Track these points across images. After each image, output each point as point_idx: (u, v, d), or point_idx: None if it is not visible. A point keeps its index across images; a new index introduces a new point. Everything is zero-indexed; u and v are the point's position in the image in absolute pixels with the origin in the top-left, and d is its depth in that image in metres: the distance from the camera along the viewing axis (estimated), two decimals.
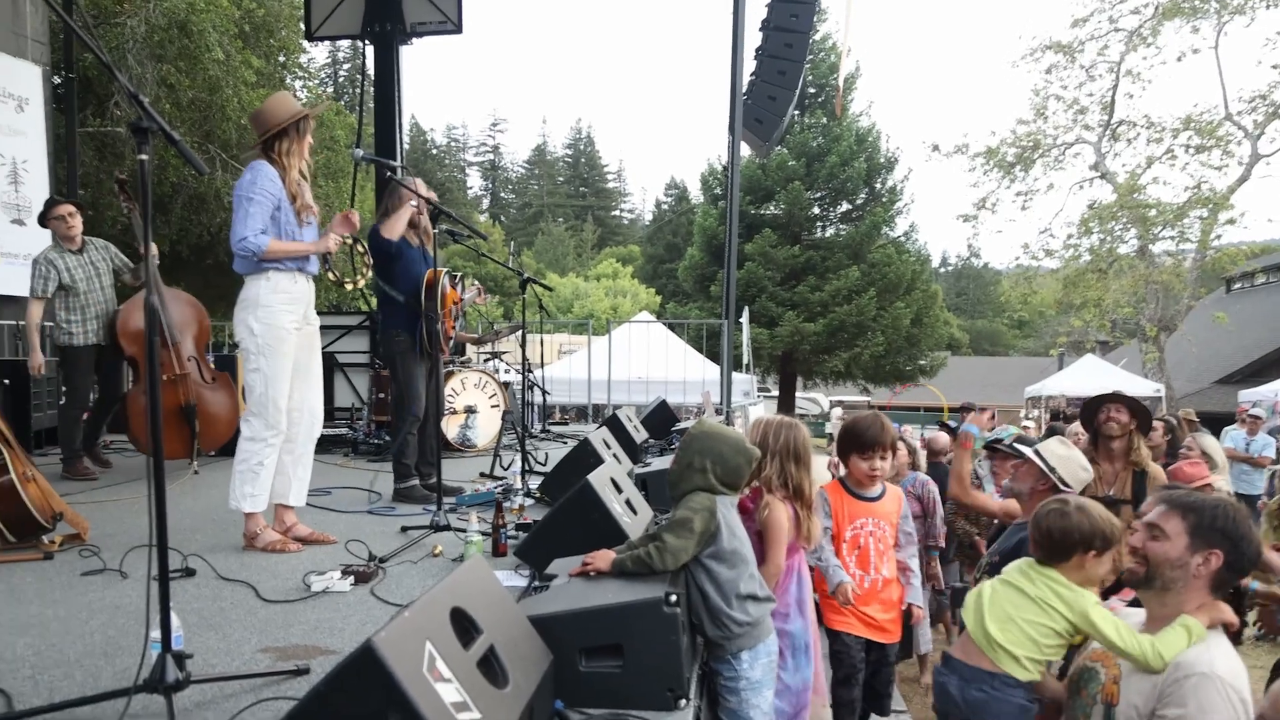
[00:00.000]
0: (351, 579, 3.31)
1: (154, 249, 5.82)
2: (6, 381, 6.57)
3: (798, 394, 32.08)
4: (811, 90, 29.33)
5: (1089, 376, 21.14)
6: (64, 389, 6.38)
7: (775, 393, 30.54)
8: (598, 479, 3.42)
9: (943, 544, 5.93)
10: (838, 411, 29.35)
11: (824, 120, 29.40)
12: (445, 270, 5.08)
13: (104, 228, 12.86)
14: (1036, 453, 3.50)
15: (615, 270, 48.37)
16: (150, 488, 2.06)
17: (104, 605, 3.07)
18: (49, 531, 3.80)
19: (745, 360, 19.95)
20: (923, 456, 6.75)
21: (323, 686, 1.65)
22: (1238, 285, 32.27)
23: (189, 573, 3.42)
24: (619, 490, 3.61)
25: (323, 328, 9.45)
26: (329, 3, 10.15)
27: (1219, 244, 22.31)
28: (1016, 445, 3.70)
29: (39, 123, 9.17)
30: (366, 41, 10.21)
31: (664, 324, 17.58)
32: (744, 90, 8.91)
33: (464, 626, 1.93)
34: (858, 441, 3.66)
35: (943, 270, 69.73)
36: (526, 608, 2.42)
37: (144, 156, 2.10)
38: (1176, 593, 2.27)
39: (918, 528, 5.87)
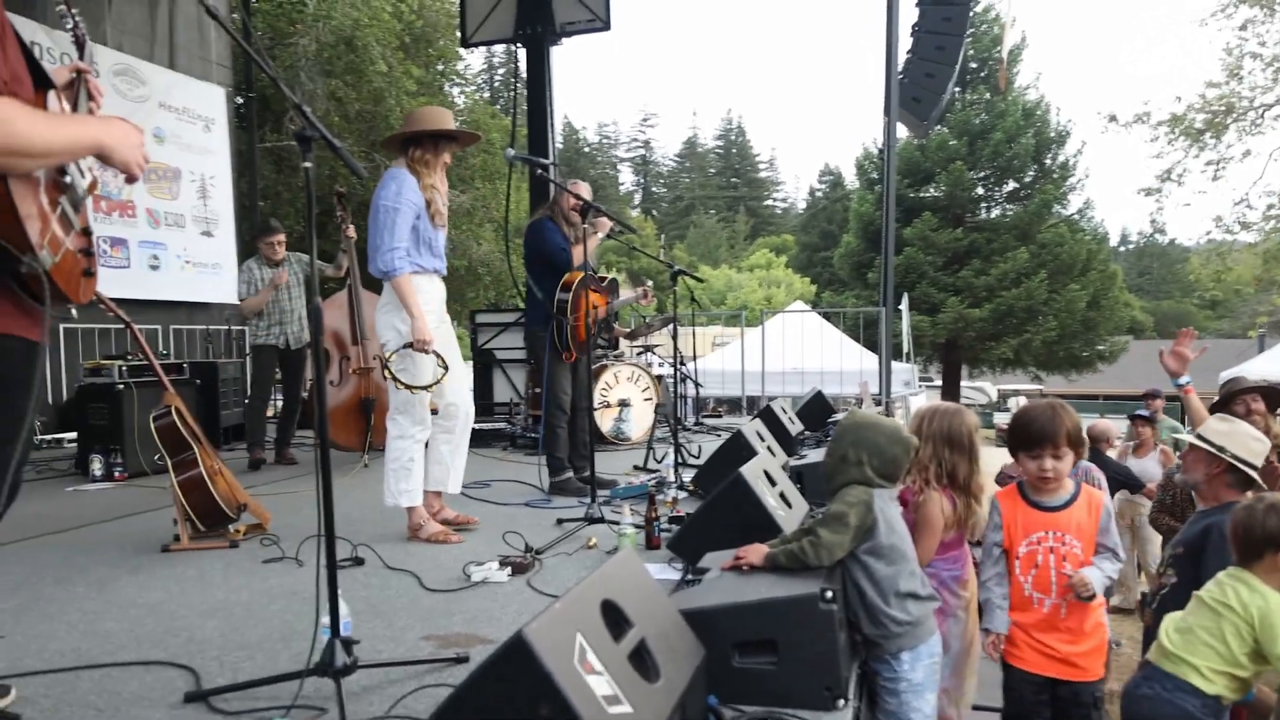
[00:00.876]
0: (509, 570, 3.38)
1: (352, 237, 6.17)
2: (198, 382, 7.15)
3: (963, 383, 30.73)
4: (973, 65, 27.91)
5: None
6: (250, 382, 6.97)
7: (938, 382, 29.37)
8: (750, 471, 3.36)
9: None
10: (1021, 401, 27.81)
11: (987, 96, 27.91)
12: (588, 272, 5.05)
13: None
14: (1199, 436, 3.19)
15: (769, 260, 47.88)
16: (319, 479, 2.16)
17: (282, 591, 3.27)
18: (234, 521, 4.09)
19: (905, 349, 19.29)
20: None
21: (477, 675, 1.67)
22: None
23: (358, 562, 3.60)
24: (772, 483, 3.53)
25: (481, 325, 9.90)
26: (482, 9, 10.52)
27: None
28: (1176, 436, 3.41)
29: (224, 141, 9.99)
30: (519, 44, 10.49)
31: (819, 313, 17.22)
32: (900, 69, 8.56)
33: (615, 619, 1.92)
34: (1023, 436, 2.98)
35: (1123, 249, 65.14)
36: (678, 601, 2.39)
37: (307, 164, 2.19)
38: None
39: None
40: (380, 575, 3.46)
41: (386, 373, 3.88)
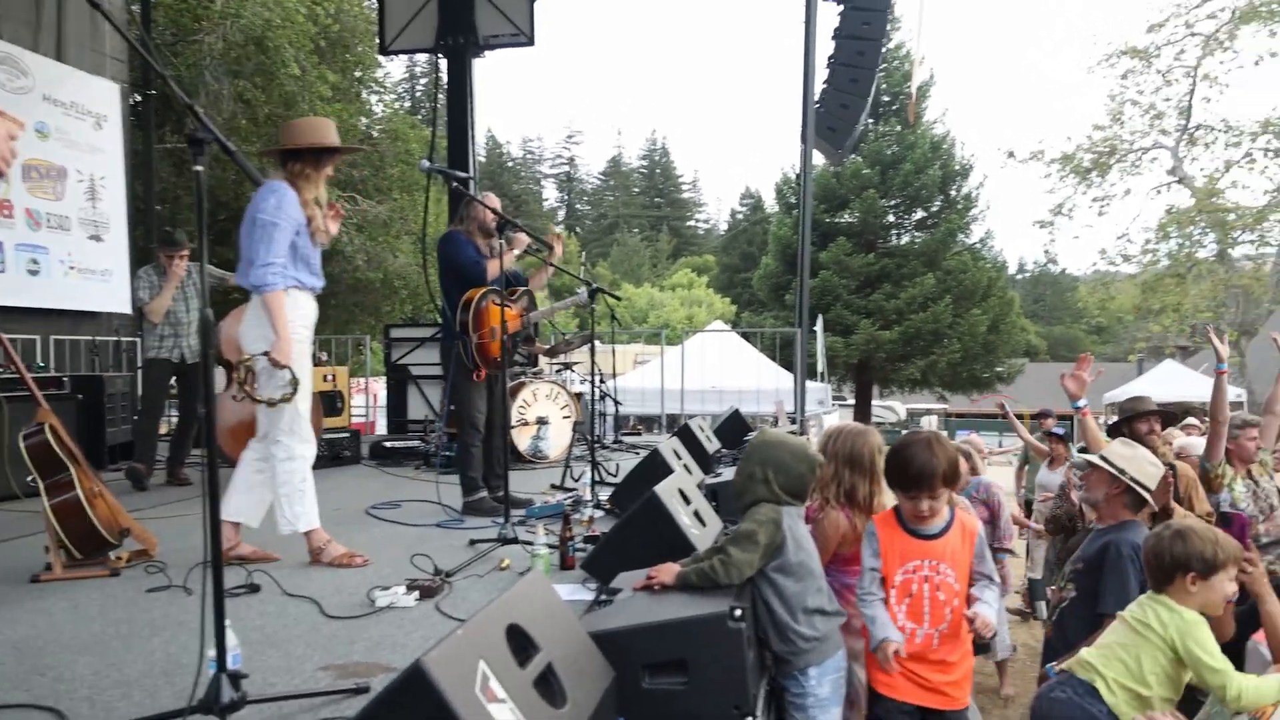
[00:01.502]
0: (417, 594, 3.27)
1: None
2: (81, 397, 6.74)
3: (874, 402, 31.64)
4: (885, 98, 28.99)
5: (1169, 382, 20.51)
6: (140, 397, 6.62)
7: (851, 401, 30.16)
8: (665, 490, 3.35)
9: (1010, 546, 5.80)
10: (930, 422, 28.70)
11: (898, 128, 29.08)
12: (501, 288, 4.94)
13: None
14: (1102, 458, 3.37)
15: (690, 280, 48.40)
16: (206, 498, 2.04)
17: (167, 622, 3.06)
18: (116, 548, 3.81)
19: (820, 369, 19.73)
20: (980, 461, 6.57)
21: (373, 707, 1.62)
22: None
23: (253, 589, 3.41)
24: (687, 501, 3.53)
25: (397, 340, 9.68)
26: (403, 17, 10.36)
27: None
28: (1083, 456, 3.58)
29: (117, 140, 9.43)
30: (439, 55, 10.36)
31: (738, 333, 17.42)
32: (816, 99, 8.78)
33: (521, 644, 1.88)
34: (899, 476, 2.82)
35: (1019, 277, 68.20)
36: (588, 623, 2.37)
37: (199, 168, 2.09)
38: None
39: (989, 534, 5.73)
40: (277, 602, 3.29)
41: (238, 374, 3.67)
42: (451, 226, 5.51)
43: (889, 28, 19.08)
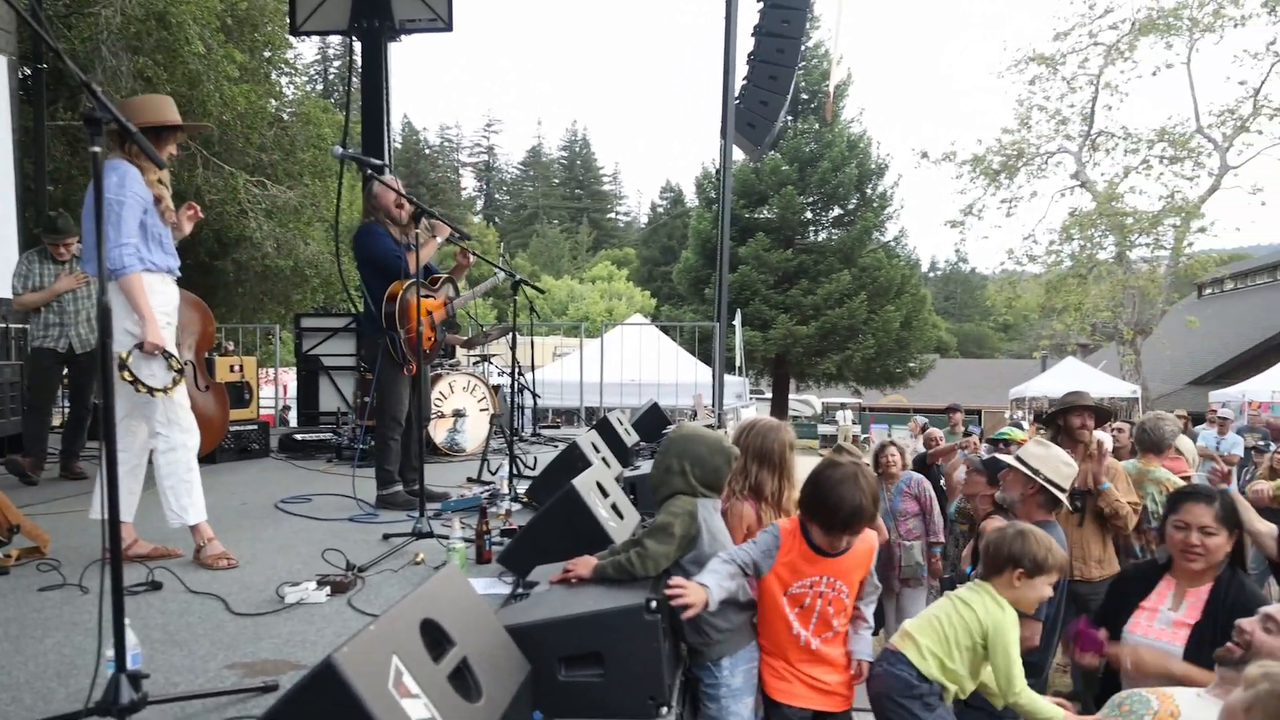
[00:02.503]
0: (328, 589, 3.20)
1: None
2: None
3: (790, 396, 32.20)
4: (804, 96, 29.50)
5: (1070, 378, 21.39)
6: (28, 389, 6.29)
7: (769, 395, 30.63)
8: (583, 483, 3.35)
9: (943, 539, 5.98)
10: (845, 416, 29.28)
11: (816, 126, 29.62)
12: (411, 282, 4.84)
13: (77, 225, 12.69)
14: (1018, 459, 3.47)
15: (610, 273, 48.44)
16: (103, 491, 1.96)
17: (61, 622, 2.93)
18: (5, 545, 3.63)
19: (738, 363, 20.00)
20: (911, 456, 6.77)
21: (281, 705, 1.59)
22: (1208, 291, 33.56)
23: (155, 586, 3.29)
24: (605, 494, 3.54)
25: (309, 329, 9.43)
26: None
27: (1191, 251, 23.32)
28: (997, 456, 3.69)
29: (4, 116, 8.90)
30: (353, 37, 10.11)
31: (657, 327, 17.52)
32: (736, 95, 8.87)
33: (435, 638, 1.87)
34: (828, 516, 2.61)
35: (931, 275, 70.47)
36: (504, 617, 2.37)
37: (96, 149, 2.00)
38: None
39: (918, 525, 5.90)
40: (180, 600, 3.17)
41: (125, 375, 3.52)
42: (366, 219, 5.39)
43: (808, 26, 19.40)
